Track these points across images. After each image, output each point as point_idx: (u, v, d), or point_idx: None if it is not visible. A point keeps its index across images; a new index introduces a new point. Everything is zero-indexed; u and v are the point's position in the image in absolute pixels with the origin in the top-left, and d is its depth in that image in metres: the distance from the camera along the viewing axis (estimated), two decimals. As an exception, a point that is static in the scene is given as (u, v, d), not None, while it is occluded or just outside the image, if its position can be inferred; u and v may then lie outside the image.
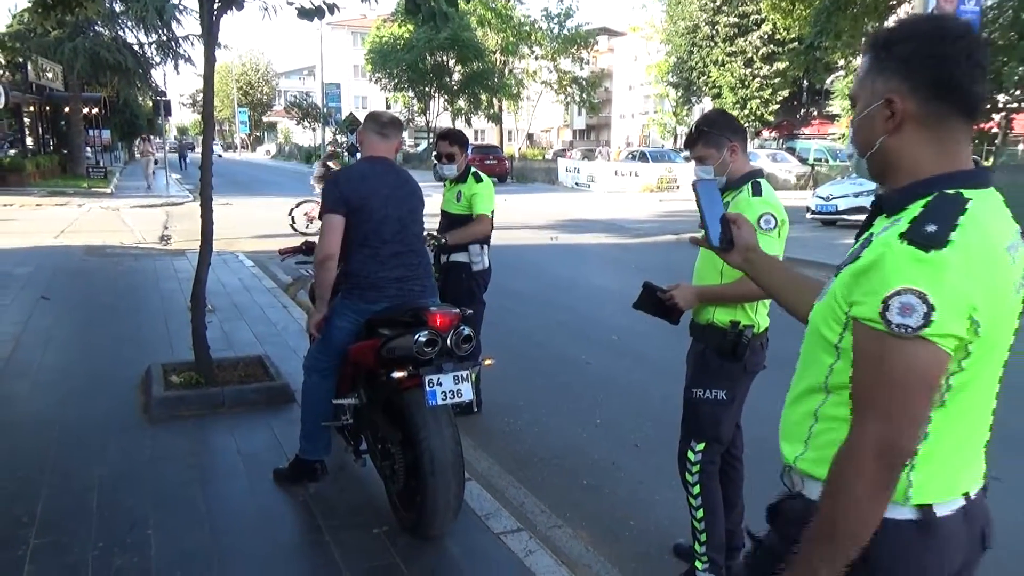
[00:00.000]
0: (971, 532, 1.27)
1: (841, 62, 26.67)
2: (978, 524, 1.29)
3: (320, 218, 3.29)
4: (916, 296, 1.10)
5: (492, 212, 4.60)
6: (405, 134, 4.24)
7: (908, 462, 1.17)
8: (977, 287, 1.12)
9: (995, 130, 18.98)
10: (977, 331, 1.14)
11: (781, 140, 37.60)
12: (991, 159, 14.71)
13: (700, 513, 2.81)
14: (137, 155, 30.58)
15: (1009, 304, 1.20)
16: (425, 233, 3.71)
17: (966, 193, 1.19)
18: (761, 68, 33.10)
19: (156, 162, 26.34)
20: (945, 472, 1.24)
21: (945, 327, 1.11)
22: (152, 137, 31.40)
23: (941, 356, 1.13)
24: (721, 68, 33.72)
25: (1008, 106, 16.97)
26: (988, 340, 1.17)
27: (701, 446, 2.79)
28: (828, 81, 34.55)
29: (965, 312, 1.12)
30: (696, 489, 2.81)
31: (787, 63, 31.78)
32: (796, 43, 30.68)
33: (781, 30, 27.40)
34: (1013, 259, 1.20)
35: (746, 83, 33.49)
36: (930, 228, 1.13)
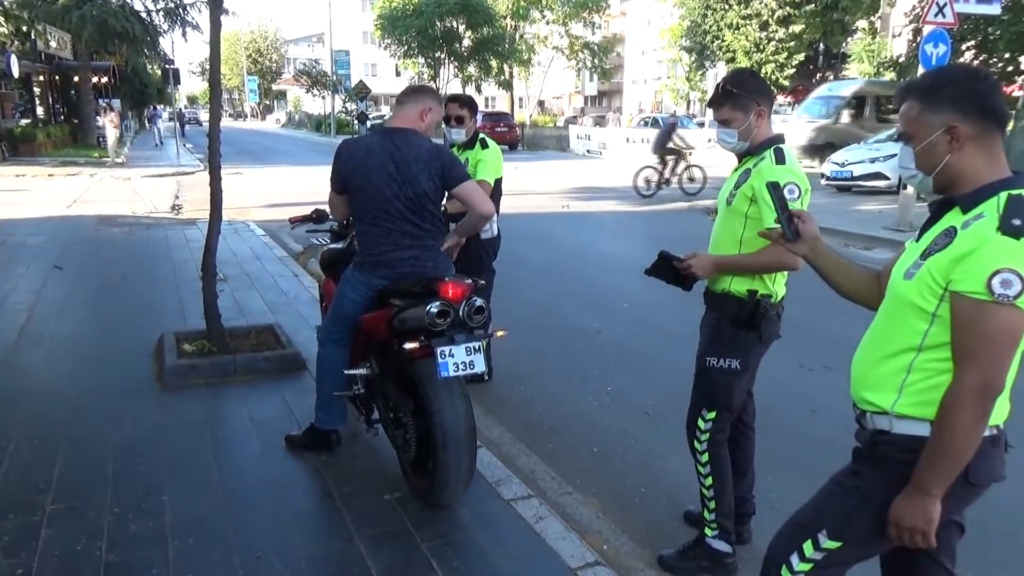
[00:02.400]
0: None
1: (863, 24, 25.93)
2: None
3: None
4: (1013, 273, 1.47)
5: (499, 180, 4.53)
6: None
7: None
8: None
9: (1017, 93, 18.56)
10: None
11: (796, 105, 36.94)
12: (1010, 123, 14.37)
13: (709, 481, 2.80)
14: (99, 124, 26.33)
15: None
16: None
17: None
18: (777, 31, 32.41)
19: (120, 134, 25.31)
20: (1003, 400, 1.62)
21: None
22: (109, 104, 28.17)
23: (1023, 318, 1.49)
24: (736, 32, 33.04)
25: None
26: None
27: (712, 414, 2.78)
28: (844, 44, 33.81)
29: None
30: (704, 457, 2.80)
31: (803, 26, 31.04)
32: (812, 5, 30.00)
33: None
34: None
35: (761, 47, 32.81)
36: (1017, 222, 1.50)
